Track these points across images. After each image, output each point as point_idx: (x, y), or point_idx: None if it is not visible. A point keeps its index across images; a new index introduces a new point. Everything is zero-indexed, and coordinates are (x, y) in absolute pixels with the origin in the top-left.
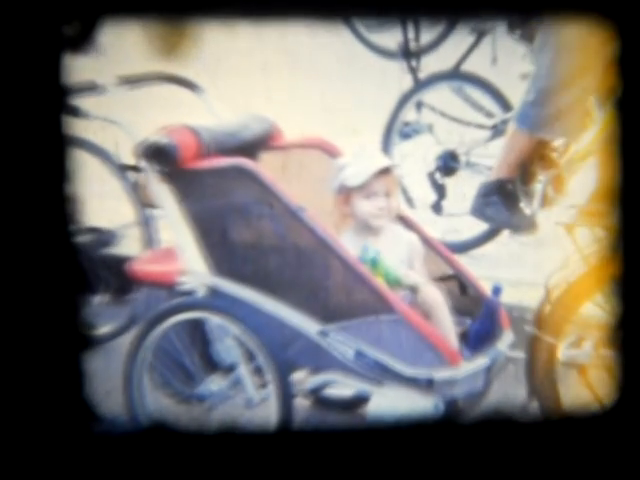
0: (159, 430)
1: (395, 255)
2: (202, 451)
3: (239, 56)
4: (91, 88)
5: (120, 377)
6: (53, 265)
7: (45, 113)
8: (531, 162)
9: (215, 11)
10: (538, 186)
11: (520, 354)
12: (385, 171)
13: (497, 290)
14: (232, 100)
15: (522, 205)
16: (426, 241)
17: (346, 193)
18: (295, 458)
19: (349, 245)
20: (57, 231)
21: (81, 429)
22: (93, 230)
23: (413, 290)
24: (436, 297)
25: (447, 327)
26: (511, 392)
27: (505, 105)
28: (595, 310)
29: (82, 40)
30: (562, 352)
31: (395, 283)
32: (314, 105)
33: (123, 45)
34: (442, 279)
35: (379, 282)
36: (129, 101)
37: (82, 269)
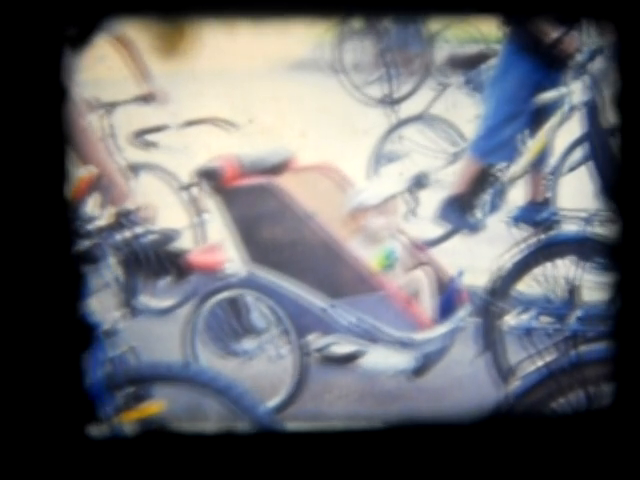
0: (157, 433)
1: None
2: (200, 452)
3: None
4: (163, 128)
5: (181, 336)
6: (53, 267)
7: (46, 112)
8: (481, 180)
9: (215, 11)
10: (487, 197)
11: (475, 321)
12: (394, 194)
13: (459, 274)
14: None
15: (475, 211)
16: (409, 239)
17: (364, 210)
18: (293, 458)
19: (359, 248)
20: (56, 233)
21: (81, 431)
22: (162, 230)
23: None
24: (422, 280)
25: (428, 302)
26: (467, 348)
27: (462, 138)
28: (532, 286)
29: (83, 40)
30: (512, 319)
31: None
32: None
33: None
34: (418, 265)
35: (373, 268)
36: (190, 136)
37: (80, 271)
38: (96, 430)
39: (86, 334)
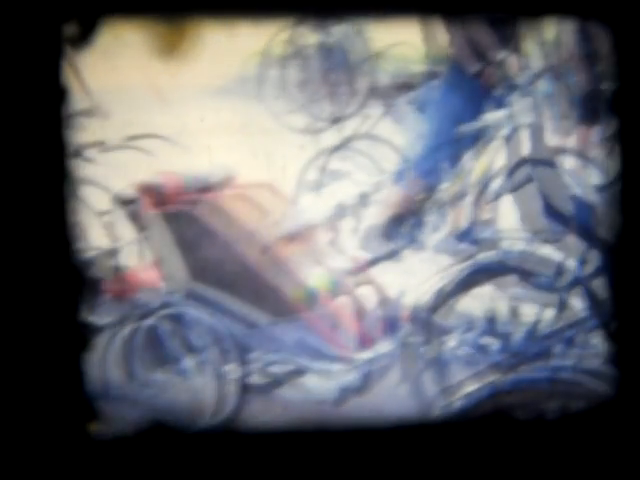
0: (157, 430)
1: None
2: (199, 450)
3: None
4: (101, 144)
5: (119, 354)
6: (53, 269)
7: (45, 112)
8: (423, 199)
9: (215, 11)
10: (429, 217)
11: (416, 340)
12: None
13: (401, 293)
14: None
15: (417, 231)
16: (350, 258)
17: (305, 229)
18: (291, 457)
19: (301, 266)
20: (56, 234)
21: (81, 429)
22: (100, 247)
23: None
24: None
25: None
26: (408, 367)
27: (404, 157)
28: (474, 305)
29: (82, 39)
30: (454, 338)
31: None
32: None
33: (123, 45)
34: (359, 285)
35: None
36: (132, 153)
37: (81, 273)
38: (96, 429)
39: (85, 335)
